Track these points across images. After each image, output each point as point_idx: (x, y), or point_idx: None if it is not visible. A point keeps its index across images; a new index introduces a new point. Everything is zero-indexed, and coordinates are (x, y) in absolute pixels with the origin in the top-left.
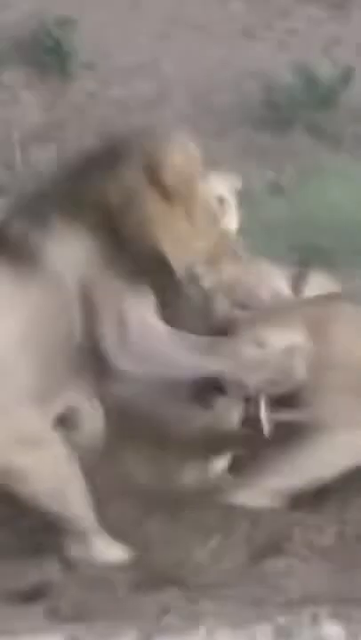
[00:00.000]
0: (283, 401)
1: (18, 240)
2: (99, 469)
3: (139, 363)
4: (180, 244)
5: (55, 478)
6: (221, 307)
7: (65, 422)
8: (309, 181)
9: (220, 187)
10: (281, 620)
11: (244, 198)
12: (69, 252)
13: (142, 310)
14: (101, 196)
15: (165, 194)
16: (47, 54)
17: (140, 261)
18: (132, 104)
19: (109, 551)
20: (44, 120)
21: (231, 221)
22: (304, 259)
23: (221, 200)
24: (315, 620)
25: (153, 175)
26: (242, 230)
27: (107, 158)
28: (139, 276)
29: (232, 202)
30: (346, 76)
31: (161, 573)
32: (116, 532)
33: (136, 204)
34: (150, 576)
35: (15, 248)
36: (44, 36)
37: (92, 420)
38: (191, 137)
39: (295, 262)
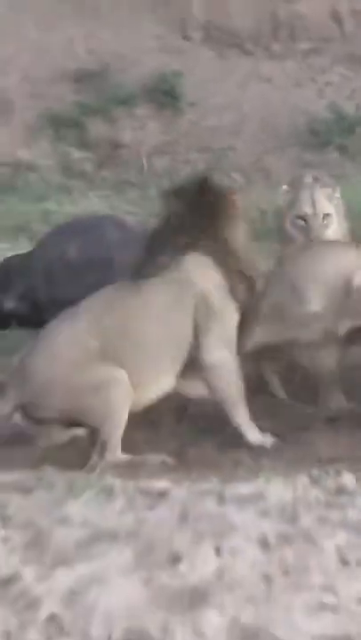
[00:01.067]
0: None
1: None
2: None
3: None
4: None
5: None
6: None
7: None
8: (338, 184)
9: (327, 205)
10: (314, 472)
11: None
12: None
13: None
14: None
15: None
16: (165, 96)
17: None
18: (222, 131)
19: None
20: (162, 140)
21: (336, 230)
22: None
23: (326, 216)
24: (337, 472)
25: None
26: None
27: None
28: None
29: (335, 214)
30: None
31: (236, 439)
32: None
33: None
34: (228, 439)
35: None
36: (163, 83)
37: None
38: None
39: None
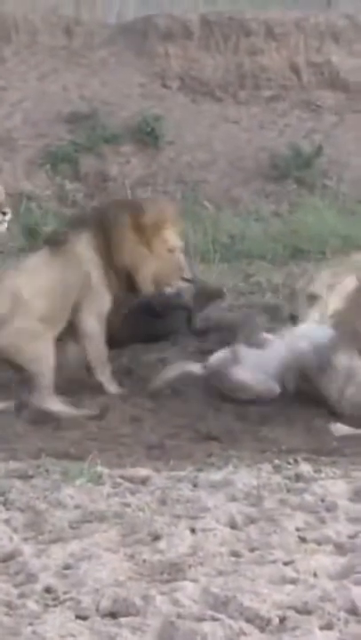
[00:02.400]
0: None
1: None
2: None
3: None
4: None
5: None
6: None
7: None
8: (296, 211)
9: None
10: (276, 461)
11: (259, 221)
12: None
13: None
14: (107, 233)
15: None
16: (146, 136)
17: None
18: (196, 166)
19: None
20: (144, 174)
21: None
22: (291, 255)
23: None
24: (295, 462)
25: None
26: (259, 239)
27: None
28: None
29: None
30: (318, 151)
31: (208, 433)
32: None
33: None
34: (202, 435)
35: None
36: (145, 125)
37: None
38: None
39: (287, 257)
